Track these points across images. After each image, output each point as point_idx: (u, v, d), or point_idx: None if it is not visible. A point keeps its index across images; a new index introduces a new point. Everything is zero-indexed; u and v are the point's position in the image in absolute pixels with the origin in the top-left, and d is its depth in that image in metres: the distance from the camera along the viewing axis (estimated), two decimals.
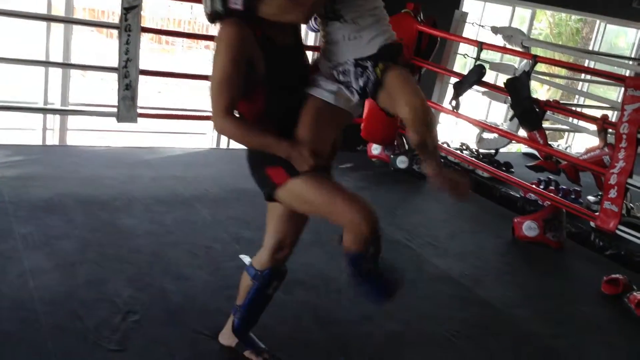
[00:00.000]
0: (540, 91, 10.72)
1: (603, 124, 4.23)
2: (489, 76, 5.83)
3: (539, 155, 5.01)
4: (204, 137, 5.81)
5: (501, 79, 5.49)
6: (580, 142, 7.72)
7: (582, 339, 3.15)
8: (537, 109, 4.41)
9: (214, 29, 2.00)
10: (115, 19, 4.28)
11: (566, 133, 8.05)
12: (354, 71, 2.12)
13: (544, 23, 11.84)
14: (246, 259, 3.25)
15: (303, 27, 2.18)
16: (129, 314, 2.57)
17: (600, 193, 4.27)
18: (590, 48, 8.14)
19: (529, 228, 4.22)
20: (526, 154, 6.54)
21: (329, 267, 3.32)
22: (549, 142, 6.43)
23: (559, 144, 7.56)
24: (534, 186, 4.80)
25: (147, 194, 3.81)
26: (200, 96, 6.42)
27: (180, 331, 2.51)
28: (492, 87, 5.15)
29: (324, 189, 1.95)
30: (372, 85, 2.09)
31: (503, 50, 5.47)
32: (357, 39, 2.11)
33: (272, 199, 2.03)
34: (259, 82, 1.91)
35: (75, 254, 3.00)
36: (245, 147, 2.03)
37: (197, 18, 9.85)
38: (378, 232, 1.96)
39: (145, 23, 8.82)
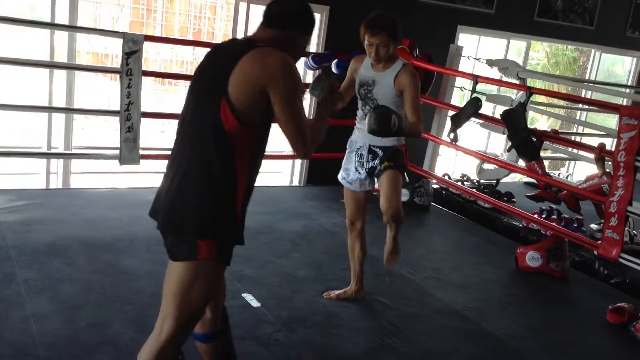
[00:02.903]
0: (540, 120, 10.78)
1: (600, 153, 4.25)
2: (487, 108, 5.89)
3: (539, 185, 5.03)
4: None
5: (499, 110, 5.55)
6: (581, 170, 7.73)
7: None
8: (534, 140, 4.45)
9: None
10: (119, 62, 4.37)
11: (567, 161, 8.07)
12: (366, 156, 3.08)
13: (541, 53, 11.97)
14: (249, 298, 3.25)
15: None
16: (131, 357, 2.56)
17: (602, 221, 4.27)
18: (587, 77, 8.22)
19: (532, 258, 4.21)
20: (527, 184, 6.55)
21: (331, 302, 3.32)
22: (551, 171, 6.46)
23: (560, 173, 7.57)
24: (535, 216, 4.81)
25: (149, 235, 3.80)
26: None
27: None
28: (489, 118, 5.20)
29: (210, 294, 1.98)
30: (377, 172, 3.06)
31: (498, 82, 5.54)
32: None
33: (181, 258, 1.88)
34: (266, 117, 1.92)
35: (78, 297, 3.02)
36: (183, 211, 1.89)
37: (199, 59, 10.01)
38: None
39: (148, 64, 8.97)
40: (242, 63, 1.81)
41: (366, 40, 2.89)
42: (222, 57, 1.89)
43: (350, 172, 3.16)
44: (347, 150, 3.21)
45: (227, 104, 1.80)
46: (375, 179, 3.12)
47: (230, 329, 2.29)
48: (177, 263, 1.90)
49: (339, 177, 3.25)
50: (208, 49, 2.06)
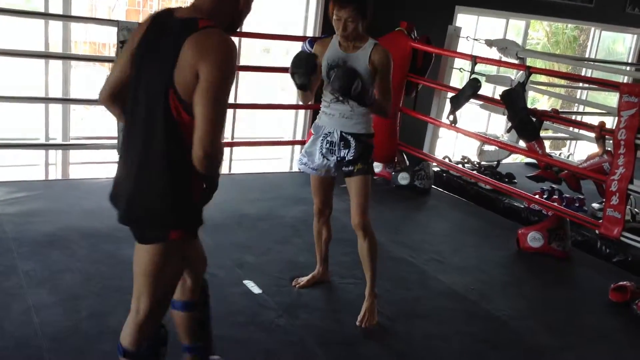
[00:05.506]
0: (541, 100, 10.73)
1: (600, 131, 4.22)
2: (487, 88, 5.85)
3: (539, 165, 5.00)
4: None
5: (499, 91, 5.51)
6: (583, 149, 7.70)
7: (591, 350, 3.12)
8: (534, 120, 4.42)
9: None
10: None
11: (568, 141, 8.03)
12: (338, 143, 2.93)
13: (541, 32, 11.89)
14: (250, 284, 3.25)
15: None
16: None
17: (603, 200, 4.25)
18: (587, 55, 8.16)
19: (533, 239, 4.20)
20: (528, 164, 6.53)
21: (332, 288, 3.32)
22: (552, 151, 6.42)
23: (561, 152, 7.54)
24: (536, 196, 4.79)
25: None
26: None
27: None
28: (489, 99, 5.17)
29: (182, 269, 2.04)
30: (348, 171, 2.95)
31: (497, 63, 5.50)
32: (348, 118, 2.90)
33: (150, 242, 1.88)
34: None
35: (78, 288, 3.02)
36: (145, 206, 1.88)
37: None
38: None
39: None
40: (184, 50, 1.70)
41: (334, 15, 2.79)
42: (166, 40, 1.76)
43: (315, 157, 3.01)
44: (312, 135, 3.04)
45: (175, 95, 1.72)
46: (343, 172, 2.98)
47: (209, 302, 2.30)
48: (145, 245, 1.88)
49: (299, 163, 3.11)
50: None
